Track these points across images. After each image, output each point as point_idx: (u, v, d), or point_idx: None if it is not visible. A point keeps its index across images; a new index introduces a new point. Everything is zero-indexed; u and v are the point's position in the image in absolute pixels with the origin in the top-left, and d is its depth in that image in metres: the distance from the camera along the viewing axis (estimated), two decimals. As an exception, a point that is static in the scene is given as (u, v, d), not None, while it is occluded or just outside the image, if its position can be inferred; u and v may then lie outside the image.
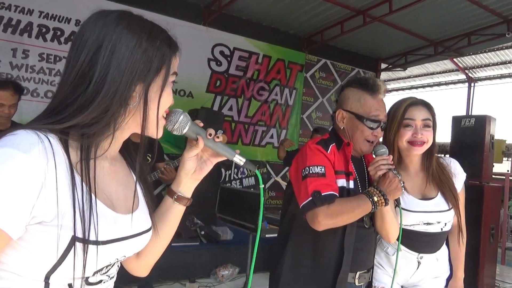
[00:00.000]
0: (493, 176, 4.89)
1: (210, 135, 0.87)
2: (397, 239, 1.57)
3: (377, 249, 1.77)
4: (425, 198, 1.69)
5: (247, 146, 6.56)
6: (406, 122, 1.66)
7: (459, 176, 1.76)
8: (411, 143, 1.64)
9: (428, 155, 1.69)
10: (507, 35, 6.05)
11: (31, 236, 0.66)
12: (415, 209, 1.66)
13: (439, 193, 1.70)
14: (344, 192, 1.49)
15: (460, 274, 1.79)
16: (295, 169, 1.55)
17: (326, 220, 1.38)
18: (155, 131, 0.81)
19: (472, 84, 13.68)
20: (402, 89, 15.32)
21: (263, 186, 0.95)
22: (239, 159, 0.91)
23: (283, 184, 5.79)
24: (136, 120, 0.78)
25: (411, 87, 14.97)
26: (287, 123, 7.09)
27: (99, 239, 0.71)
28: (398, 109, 1.69)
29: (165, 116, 0.83)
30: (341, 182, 1.50)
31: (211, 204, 4.56)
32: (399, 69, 8.32)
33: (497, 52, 10.05)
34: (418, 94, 14.58)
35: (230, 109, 6.49)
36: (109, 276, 0.80)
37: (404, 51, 7.53)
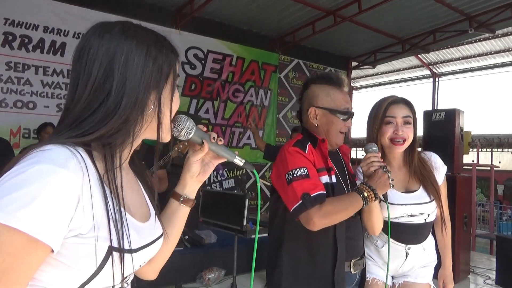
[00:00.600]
0: (463, 167, 5.13)
1: (214, 138, 0.90)
2: (387, 233, 1.62)
3: (366, 242, 1.83)
4: (408, 191, 1.76)
5: (225, 148, 6.59)
6: (388, 119, 1.73)
7: (440, 169, 1.84)
8: (393, 141, 1.70)
9: (410, 151, 1.76)
10: (469, 31, 6.34)
11: (67, 250, 0.66)
12: (399, 202, 1.73)
13: (421, 186, 1.77)
14: (329, 188, 1.52)
15: (448, 262, 1.88)
16: (276, 175, 1.56)
17: (321, 220, 1.41)
18: (168, 136, 0.83)
19: (437, 79, 14.25)
20: (371, 86, 15.74)
21: (259, 184, 0.98)
22: (239, 160, 0.94)
23: (267, 183, 5.85)
24: (151, 127, 0.80)
25: (379, 84, 15.40)
26: (263, 124, 7.14)
27: (132, 247, 0.72)
28: (379, 108, 1.75)
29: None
30: (324, 178, 1.54)
31: (192, 208, 4.55)
32: (369, 66, 8.54)
33: (458, 47, 10.49)
34: (386, 90, 15.00)
35: (207, 111, 6.48)
36: (128, 284, 0.81)
37: (373, 49, 7.75)
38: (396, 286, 1.82)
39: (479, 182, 10.04)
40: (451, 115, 4.65)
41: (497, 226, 8.78)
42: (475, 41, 9.48)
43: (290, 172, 1.46)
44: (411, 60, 12.28)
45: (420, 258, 1.79)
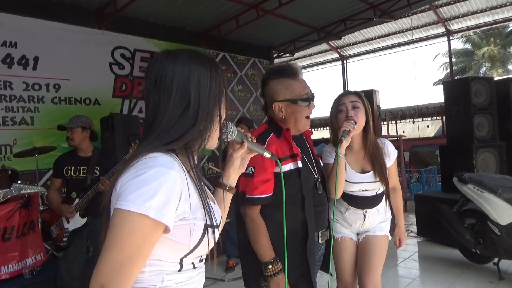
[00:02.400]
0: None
1: (250, 138, 1.15)
2: (347, 202, 2.01)
3: (347, 215, 2.21)
4: (363, 171, 2.15)
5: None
6: (340, 107, 2.11)
7: (391, 155, 2.23)
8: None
9: (365, 137, 2.14)
10: (374, 19, 7.12)
11: (176, 230, 0.87)
12: (355, 181, 2.13)
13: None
14: (294, 173, 1.69)
15: (401, 223, 2.32)
16: None
17: (247, 220, 1.66)
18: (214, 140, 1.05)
19: (345, 61, 15.48)
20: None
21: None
22: (267, 153, 1.21)
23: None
24: (216, 133, 1.01)
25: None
26: (197, 118, 7.28)
27: (218, 224, 0.97)
28: (334, 102, 2.16)
29: None
30: (288, 166, 1.69)
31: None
32: (289, 55, 9.07)
33: (361, 31, 11.51)
34: (305, 74, 15.81)
35: (140, 111, 6.42)
36: (203, 259, 1.03)
37: (292, 39, 8.27)
38: (360, 240, 2.22)
39: None
40: (370, 94, 5.30)
41: (408, 189, 9.94)
42: (375, 24, 10.50)
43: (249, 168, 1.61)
44: (322, 45, 13.18)
45: (376, 217, 2.21)
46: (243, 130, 1.17)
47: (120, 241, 0.81)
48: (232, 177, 1.18)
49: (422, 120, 18.81)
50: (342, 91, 9.50)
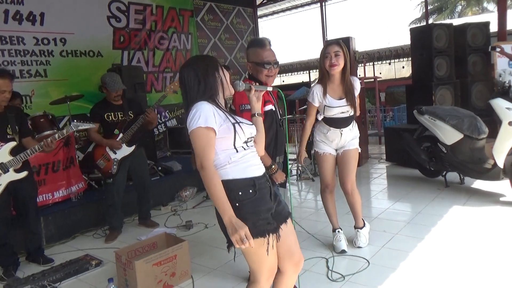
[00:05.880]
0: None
1: (254, 84, 1.92)
2: (329, 125, 2.88)
3: (317, 131, 3.07)
4: (340, 99, 2.97)
5: (160, 93, 7.23)
6: (326, 55, 2.87)
7: (357, 88, 3.02)
8: (330, 66, 2.86)
9: (343, 75, 2.93)
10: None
11: (220, 132, 1.65)
12: (334, 105, 2.95)
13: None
14: (272, 113, 2.33)
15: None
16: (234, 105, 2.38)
17: None
18: (232, 91, 1.84)
19: (323, 4, 15.77)
20: (266, 15, 16.76)
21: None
22: (269, 88, 2.00)
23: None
24: (226, 88, 1.81)
25: (273, 12, 16.51)
26: (189, 66, 7.86)
27: (239, 121, 1.74)
28: (322, 49, 2.91)
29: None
30: (269, 107, 2.32)
31: (149, 149, 5.42)
32: (272, 2, 9.49)
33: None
34: (283, 18, 16.02)
35: (138, 61, 6.97)
36: (250, 146, 1.81)
37: (274, -14, 8.70)
38: (340, 154, 3.09)
39: (367, 92, 11.94)
40: (347, 41, 6.01)
41: (383, 126, 10.94)
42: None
43: (241, 105, 2.20)
44: (301, -10, 13.41)
45: (349, 134, 3.06)
46: (247, 81, 1.91)
47: (197, 142, 1.61)
48: (255, 107, 1.95)
49: (399, 61, 19.50)
50: (321, 35, 10.09)
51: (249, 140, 1.78)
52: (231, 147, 1.69)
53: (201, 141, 1.60)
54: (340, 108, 2.96)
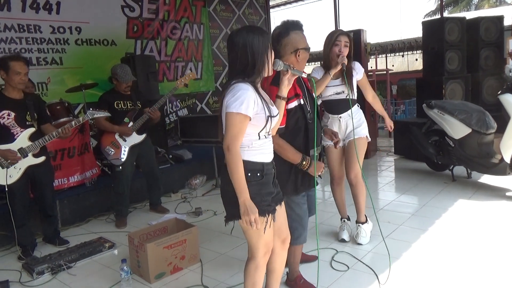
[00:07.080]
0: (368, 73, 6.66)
1: (290, 67, 1.95)
2: (327, 111, 3.01)
3: (329, 123, 3.13)
4: (336, 79, 3.00)
5: (172, 82, 7.35)
6: (336, 42, 2.94)
7: (357, 70, 3.09)
8: (338, 55, 2.92)
9: (347, 60, 2.98)
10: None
11: (254, 119, 1.73)
12: (330, 85, 2.99)
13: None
14: (298, 109, 2.21)
15: (386, 116, 3.33)
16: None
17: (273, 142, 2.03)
18: (272, 71, 1.87)
19: (337, -5, 15.63)
20: (278, 5, 16.69)
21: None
22: (304, 74, 1.98)
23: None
24: (270, 67, 1.83)
25: (286, 3, 16.43)
26: (201, 56, 7.96)
27: (273, 115, 1.82)
28: (332, 36, 2.97)
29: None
30: (293, 104, 2.19)
31: (160, 137, 5.54)
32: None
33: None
34: (297, 7, 15.98)
35: (151, 51, 7.07)
36: (270, 133, 1.88)
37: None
38: (346, 144, 3.15)
39: (378, 85, 11.88)
40: (358, 34, 6.03)
41: (393, 119, 10.91)
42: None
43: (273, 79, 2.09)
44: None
45: (349, 121, 3.06)
46: (286, 62, 1.93)
47: (232, 125, 1.68)
48: (283, 91, 1.98)
49: (412, 53, 19.25)
50: (333, 26, 10.06)
51: (271, 130, 1.88)
52: (255, 134, 1.78)
53: (236, 126, 1.67)
54: (335, 88, 3.02)
